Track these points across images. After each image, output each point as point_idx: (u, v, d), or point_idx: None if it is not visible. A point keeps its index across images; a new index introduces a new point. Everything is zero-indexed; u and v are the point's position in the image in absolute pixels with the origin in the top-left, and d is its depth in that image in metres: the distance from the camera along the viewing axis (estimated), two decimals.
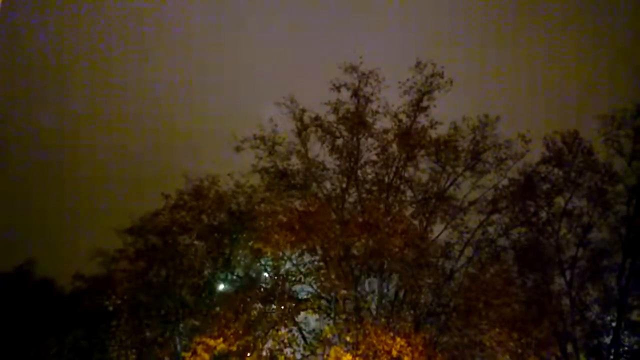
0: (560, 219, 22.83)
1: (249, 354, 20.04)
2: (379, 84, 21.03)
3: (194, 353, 19.26)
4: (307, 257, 20.74)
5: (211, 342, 18.82)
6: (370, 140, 21.43)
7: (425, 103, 21.07)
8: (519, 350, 17.94)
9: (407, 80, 20.82)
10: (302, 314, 20.39)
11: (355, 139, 21.39)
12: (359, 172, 21.37)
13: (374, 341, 17.21)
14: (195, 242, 23.12)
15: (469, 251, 21.33)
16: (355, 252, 20.38)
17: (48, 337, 25.11)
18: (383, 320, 18.80)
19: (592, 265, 23.03)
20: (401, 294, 20.67)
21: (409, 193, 21.74)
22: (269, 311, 20.55)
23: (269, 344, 20.34)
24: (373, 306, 20.17)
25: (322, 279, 19.83)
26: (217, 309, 21.51)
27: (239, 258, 22.88)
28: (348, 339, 18.59)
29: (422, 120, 21.22)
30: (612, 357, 22.35)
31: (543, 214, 22.93)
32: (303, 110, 21.41)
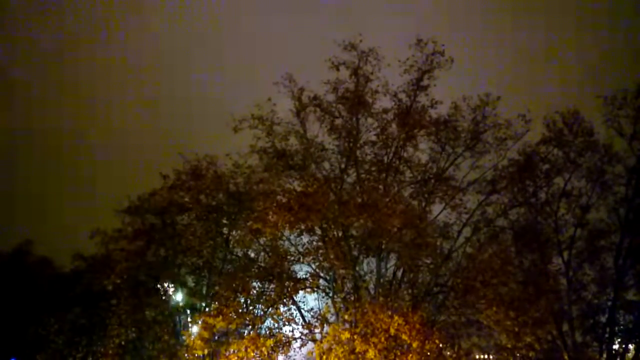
0: (559, 199, 22.83)
1: (247, 332, 20.24)
2: (378, 63, 20.76)
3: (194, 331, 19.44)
4: (305, 237, 20.78)
5: (210, 320, 18.97)
6: (369, 120, 21.27)
7: (425, 82, 20.86)
8: (516, 329, 18.11)
9: (408, 58, 20.55)
10: (301, 292, 20.52)
11: (354, 118, 21.20)
12: (358, 152, 21.24)
13: (372, 319, 17.35)
14: (194, 222, 23.08)
15: (467, 231, 21.39)
16: (354, 232, 20.41)
17: (48, 316, 25.27)
18: (381, 299, 18.92)
19: (589, 245, 23.13)
20: (399, 274, 20.79)
21: (408, 173, 21.68)
22: (268, 290, 20.69)
23: (268, 322, 20.54)
24: (371, 285, 20.30)
25: (321, 258, 19.89)
26: (217, 288, 21.61)
27: (237, 238, 22.87)
28: (346, 317, 18.75)
29: (422, 99, 21.06)
30: (607, 335, 22.61)
31: (542, 195, 22.94)
32: (302, 90, 21.17)
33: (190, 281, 23.82)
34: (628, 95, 21.97)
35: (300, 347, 19.60)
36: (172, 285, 23.48)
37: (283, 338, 19.39)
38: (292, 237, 21.05)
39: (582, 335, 23.13)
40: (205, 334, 18.93)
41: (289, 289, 19.78)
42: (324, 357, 17.60)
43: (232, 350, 18.66)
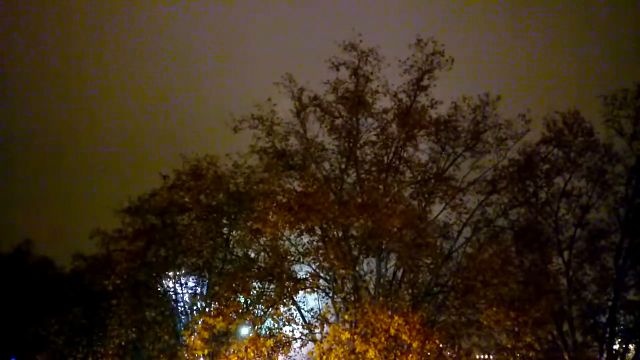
0: (560, 199, 22.84)
1: (248, 332, 20.24)
2: (379, 63, 20.77)
3: (194, 332, 19.45)
4: (306, 238, 20.78)
5: (211, 321, 18.97)
6: (369, 120, 21.28)
7: (425, 82, 20.86)
8: (516, 329, 18.12)
9: (408, 59, 20.57)
10: (301, 293, 20.52)
11: (354, 119, 21.22)
12: (358, 152, 21.26)
13: (372, 320, 17.35)
14: (194, 222, 23.08)
15: (467, 231, 21.39)
16: (354, 232, 20.42)
17: (49, 316, 25.29)
18: (381, 299, 18.93)
19: (590, 245, 23.13)
20: (399, 274, 20.79)
21: (408, 174, 21.69)
22: (268, 290, 20.70)
23: (269, 322, 20.54)
24: (372, 286, 20.30)
25: (322, 259, 19.90)
26: (217, 288, 21.62)
27: (238, 238, 22.88)
28: (347, 317, 18.75)
29: (423, 99, 21.07)
30: (607, 336, 22.60)
31: (542, 195, 22.94)
32: (302, 90, 21.19)
33: (190, 282, 23.83)
34: (628, 96, 21.98)
35: (300, 348, 19.60)
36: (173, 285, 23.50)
37: (283, 338, 19.40)
38: (292, 237, 21.06)
39: (583, 336, 23.13)
40: (206, 335, 18.93)
41: (289, 290, 19.78)
42: (325, 357, 17.60)
43: (232, 350, 18.66)
